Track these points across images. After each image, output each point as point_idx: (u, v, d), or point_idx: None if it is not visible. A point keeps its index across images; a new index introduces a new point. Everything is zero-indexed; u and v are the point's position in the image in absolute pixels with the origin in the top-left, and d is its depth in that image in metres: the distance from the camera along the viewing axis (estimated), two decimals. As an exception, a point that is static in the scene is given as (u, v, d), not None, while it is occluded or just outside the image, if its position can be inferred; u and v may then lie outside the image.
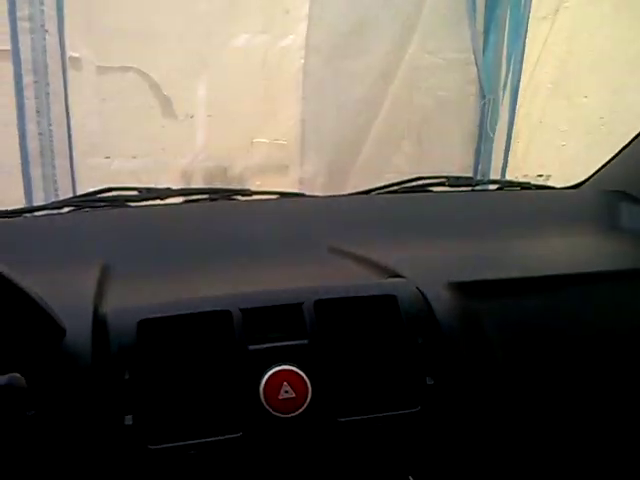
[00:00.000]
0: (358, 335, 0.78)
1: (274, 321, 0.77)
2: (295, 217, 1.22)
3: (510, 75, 3.11)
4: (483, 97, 3.18)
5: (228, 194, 1.32)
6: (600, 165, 1.43)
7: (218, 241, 1.11)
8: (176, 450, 0.70)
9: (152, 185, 1.27)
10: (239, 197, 1.31)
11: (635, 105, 2.47)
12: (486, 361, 0.83)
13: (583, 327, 0.89)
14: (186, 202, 1.26)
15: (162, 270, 0.98)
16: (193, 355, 0.74)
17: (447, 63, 3.15)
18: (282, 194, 1.35)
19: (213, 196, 1.30)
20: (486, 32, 3.18)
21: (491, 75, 3.17)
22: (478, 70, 3.16)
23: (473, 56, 3.15)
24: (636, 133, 1.35)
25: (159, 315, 0.75)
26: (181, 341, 0.75)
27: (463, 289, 0.85)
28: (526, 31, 3.05)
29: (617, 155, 1.39)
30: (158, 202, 1.23)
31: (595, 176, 1.41)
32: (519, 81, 3.07)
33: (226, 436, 0.72)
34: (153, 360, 0.73)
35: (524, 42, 3.07)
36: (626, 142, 1.37)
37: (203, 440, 0.71)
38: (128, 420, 0.70)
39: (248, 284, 0.88)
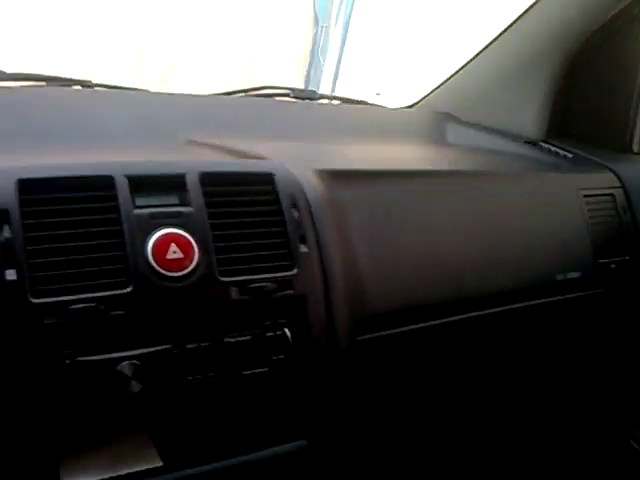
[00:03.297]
0: (239, 207, 0.81)
1: (159, 190, 0.77)
2: (146, 111, 1.19)
3: (343, 7, 3.19)
4: (317, 25, 3.24)
5: (67, 83, 1.24)
6: (429, 90, 1.56)
7: (66, 128, 1.05)
8: (59, 305, 0.68)
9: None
10: (79, 87, 1.24)
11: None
12: (348, 235, 0.91)
13: (427, 215, 1.00)
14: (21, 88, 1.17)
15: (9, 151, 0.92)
16: (75, 219, 0.72)
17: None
18: (126, 89, 1.29)
19: (51, 83, 1.22)
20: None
21: (325, 5, 3.23)
22: (314, -1, 3.21)
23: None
24: (463, 63, 1.50)
25: (39, 175, 0.72)
26: (63, 204, 0.72)
27: (328, 176, 0.92)
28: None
29: (444, 82, 1.53)
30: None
31: (425, 99, 1.54)
32: (350, 13, 3.17)
33: (116, 291, 0.71)
34: (34, 220, 0.70)
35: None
36: (454, 70, 1.51)
37: (92, 295, 0.70)
38: (10, 275, 0.67)
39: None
